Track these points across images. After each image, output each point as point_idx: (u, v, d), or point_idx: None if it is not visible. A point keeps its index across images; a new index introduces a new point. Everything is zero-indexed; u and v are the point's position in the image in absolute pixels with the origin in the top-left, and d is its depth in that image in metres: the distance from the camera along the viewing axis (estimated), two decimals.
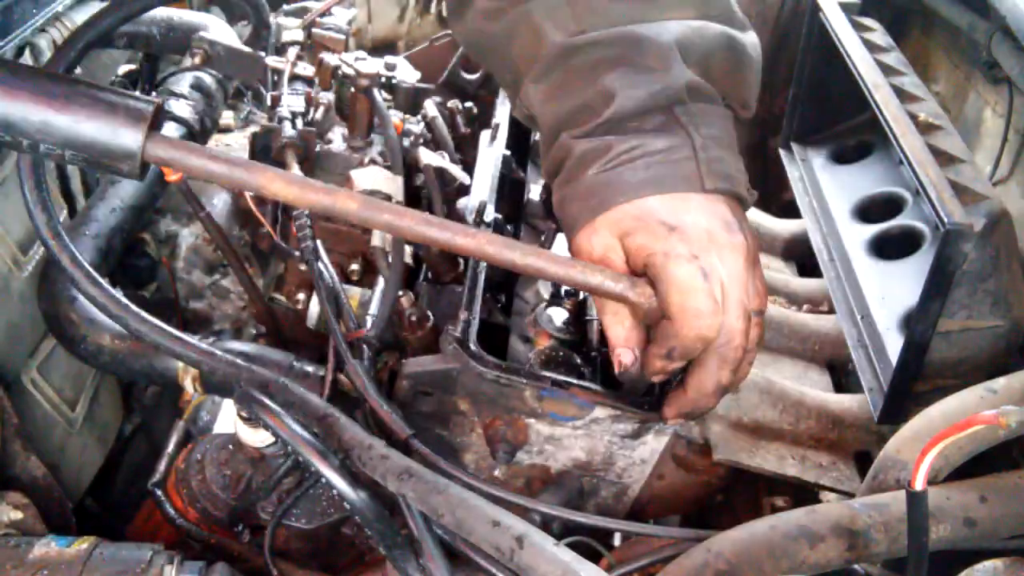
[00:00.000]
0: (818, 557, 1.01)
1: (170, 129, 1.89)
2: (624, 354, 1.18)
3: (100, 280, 1.30)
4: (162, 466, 1.48)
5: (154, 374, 1.55)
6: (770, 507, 1.39)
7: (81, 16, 1.74)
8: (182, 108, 1.94)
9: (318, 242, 1.48)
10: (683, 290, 1.08)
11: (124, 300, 1.31)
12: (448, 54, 2.15)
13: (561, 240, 1.70)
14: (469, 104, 2.04)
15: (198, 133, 1.96)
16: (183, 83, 2.03)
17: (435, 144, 1.87)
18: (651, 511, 1.55)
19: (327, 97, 1.81)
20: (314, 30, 2.03)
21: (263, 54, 2.02)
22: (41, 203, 1.27)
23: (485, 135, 1.86)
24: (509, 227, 1.75)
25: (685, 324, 1.09)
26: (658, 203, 1.12)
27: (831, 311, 1.67)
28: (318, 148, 1.72)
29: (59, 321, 1.53)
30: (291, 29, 2.15)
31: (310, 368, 1.43)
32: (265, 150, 1.67)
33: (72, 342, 1.53)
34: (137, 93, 1.14)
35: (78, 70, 1.48)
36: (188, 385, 1.46)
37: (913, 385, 1.33)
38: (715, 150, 1.19)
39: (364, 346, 1.36)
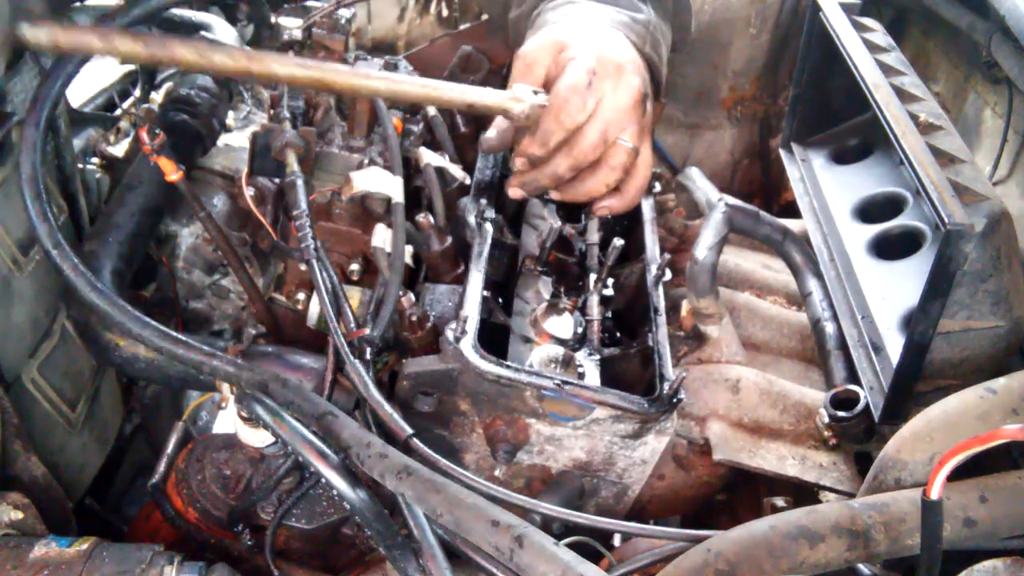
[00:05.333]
0: (818, 557, 1.00)
1: (179, 131, 1.89)
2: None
3: (100, 286, 1.30)
4: (162, 466, 1.48)
5: (191, 379, 1.55)
6: (770, 507, 1.38)
7: (81, 17, 1.74)
8: (189, 110, 1.93)
9: (318, 242, 1.48)
10: (566, 87, 1.39)
11: (126, 305, 1.31)
12: (448, 54, 2.15)
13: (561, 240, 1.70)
14: None
15: (207, 134, 1.96)
16: (188, 85, 2.02)
17: (435, 144, 1.87)
18: (651, 511, 1.55)
19: (327, 97, 1.81)
20: (314, 30, 2.02)
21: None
22: (42, 213, 1.28)
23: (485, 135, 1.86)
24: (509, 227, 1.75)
25: (553, 108, 1.40)
26: (602, 36, 1.50)
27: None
28: (318, 148, 1.71)
29: (90, 330, 1.54)
30: (291, 29, 2.15)
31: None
32: (265, 150, 1.67)
33: (105, 350, 1.54)
34: None
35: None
36: (225, 389, 1.46)
37: (913, 385, 1.33)
38: (660, 36, 1.63)
39: (365, 346, 1.36)
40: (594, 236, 1.73)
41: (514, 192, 1.59)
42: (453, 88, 1.40)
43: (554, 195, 1.62)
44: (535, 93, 1.46)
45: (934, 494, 0.90)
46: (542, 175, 1.53)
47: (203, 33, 2.04)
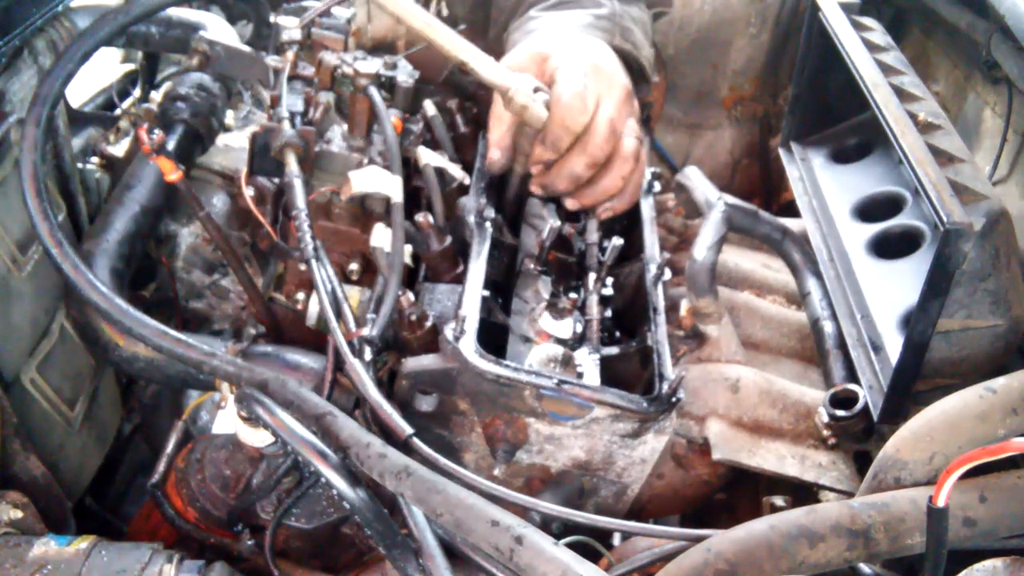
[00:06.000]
0: (818, 557, 1.00)
1: (178, 130, 1.89)
2: (494, 152, 1.61)
3: (99, 285, 1.30)
4: (162, 466, 1.48)
5: (190, 378, 1.56)
6: (770, 507, 1.38)
7: (81, 17, 1.74)
8: (188, 109, 1.93)
9: (318, 242, 1.48)
10: (566, 92, 1.44)
11: (125, 305, 1.31)
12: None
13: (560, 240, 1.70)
14: (469, 104, 2.04)
15: (206, 134, 1.96)
16: (187, 83, 2.02)
17: (434, 144, 1.86)
18: (651, 511, 1.55)
19: (327, 97, 1.81)
20: (314, 30, 2.02)
21: (263, 54, 2.02)
22: (43, 211, 1.28)
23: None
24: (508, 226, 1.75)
25: (557, 115, 1.45)
26: (578, 41, 1.57)
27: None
28: (318, 148, 1.71)
29: (90, 329, 1.54)
30: (291, 29, 2.15)
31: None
32: (265, 149, 1.67)
33: (105, 350, 1.54)
34: None
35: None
36: (225, 389, 1.46)
37: (913, 384, 1.33)
38: (628, 22, 1.72)
39: (365, 345, 1.36)
40: (594, 236, 1.73)
41: (537, 189, 1.64)
42: (465, 46, 1.47)
43: (571, 204, 1.64)
44: (535, 91, 1.48)
45: (940, 501, 0.90)
46: (559, 177, 1.56)
47: (200, 33, 2.04)
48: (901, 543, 1.02)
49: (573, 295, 1.63)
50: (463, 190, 1.74)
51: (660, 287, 1.58)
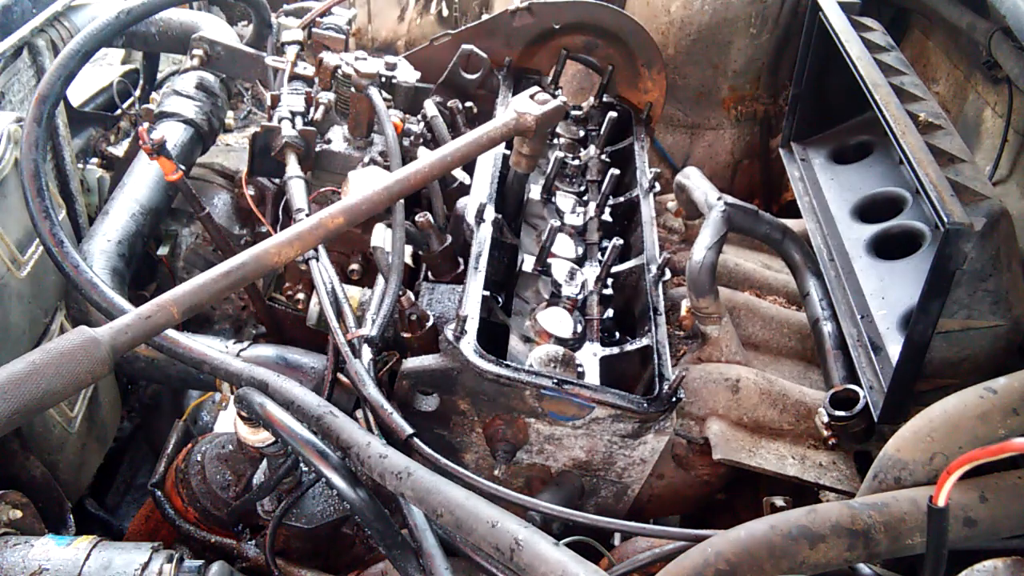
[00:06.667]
0: (818, 557, 1.00)
1: (179, 130, 1.89)
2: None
3: (100, 285, 1.30)
4: (162, 466, 1.48)
5: (191, 378, 1.56)
6: (770, 507, 1.38)
7: (81, 17, 1.74)
8: (189, 109, 1.93)
9: None
10: None
11: (126, 304, 1.31)
12: (448, 54, 2.15)
13: (561, 239, 1.70)
14: (469, 104, 2.04)
15: (207, 134, 1.96)
16: (187, 83, 2.03)
17: (435, 144, 1.86)
18: (651, 511, 1.55)
19: (327, 97, 1.81)
20: (314, 30, 2.03)
21: (263, 54, 2.02)
22: (44, 210, 1.28)
23: None
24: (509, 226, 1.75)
25: None
26: None
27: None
28: (318, 148, 1.71)
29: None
30: (291, 29, 2.15)
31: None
32: (265, 150, 1.67)
33: None
34: None
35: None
36: (225, 389, 1.46)
37: (913, 384, 1.33)
38: None
39: (365, 345, 1.36)
40: (594, 236, 1.73)
41: None
42: (470, 140, 1.39)
43: None
44: (531, 98, 1.46)
45: (941, 502, 0.90)
46: None
47: (200, 33, 2.04)
48: (901, 543, 1.02)
49: (572, 292, 1.62)
50: (463, 190, 1.74)
51: (660, 287, 1.58)
